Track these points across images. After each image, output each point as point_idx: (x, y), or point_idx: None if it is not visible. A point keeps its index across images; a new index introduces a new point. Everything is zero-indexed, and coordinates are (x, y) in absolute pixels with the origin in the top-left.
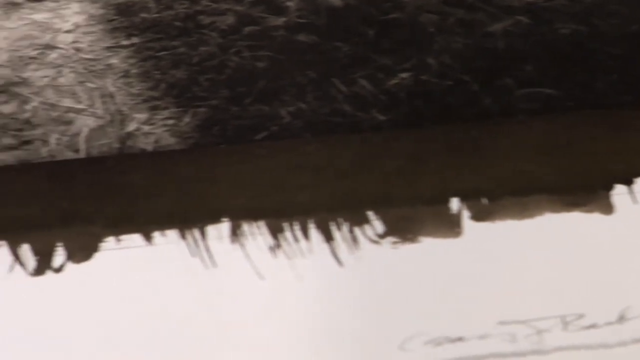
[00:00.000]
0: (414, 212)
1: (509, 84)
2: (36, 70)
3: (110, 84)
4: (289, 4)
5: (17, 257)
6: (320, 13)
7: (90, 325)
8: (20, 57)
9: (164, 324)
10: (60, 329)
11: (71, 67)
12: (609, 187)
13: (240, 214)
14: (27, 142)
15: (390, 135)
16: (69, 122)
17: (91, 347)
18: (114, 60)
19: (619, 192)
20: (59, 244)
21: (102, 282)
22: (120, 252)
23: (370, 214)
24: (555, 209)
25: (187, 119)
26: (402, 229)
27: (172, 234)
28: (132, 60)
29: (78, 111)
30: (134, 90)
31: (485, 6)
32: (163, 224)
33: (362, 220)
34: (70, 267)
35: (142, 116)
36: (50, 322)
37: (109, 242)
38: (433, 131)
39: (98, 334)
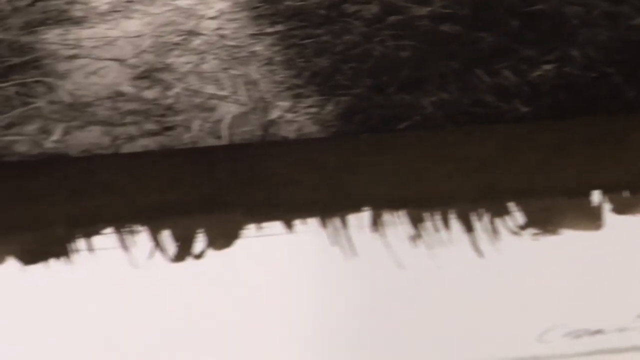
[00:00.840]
0: (555, 204)
1: None
2: (179, 56)
3: (253, 71)
4: None
5: (157, 243)
6: (465, 3)
7: (231, 311)
8: (164, 43)
9: (303, 311)
10: (199, 314)
11: (215, 53)
12: None
13: (381, 203)
14: (169, 128)
15: (533, 126)
16: (211, 109)
17: (231, 332)
18: (257, 48)
19: None
20: (199, 230)
21: (242, 269)
22: (261, 240)
23: (511, 205)
24: None
25: (329, 107)
26: (543, 220)
27: (313, 223)
28: (276, 48)
29: (221, 98)
30: (277, 78)
31: None
32: (304, 212)
33: (503, 212)
34: (211, 253)
35: (285, 104)
36: (188, 307)
37: (250, 230)
38: (576, 123)
39: (238, 319)
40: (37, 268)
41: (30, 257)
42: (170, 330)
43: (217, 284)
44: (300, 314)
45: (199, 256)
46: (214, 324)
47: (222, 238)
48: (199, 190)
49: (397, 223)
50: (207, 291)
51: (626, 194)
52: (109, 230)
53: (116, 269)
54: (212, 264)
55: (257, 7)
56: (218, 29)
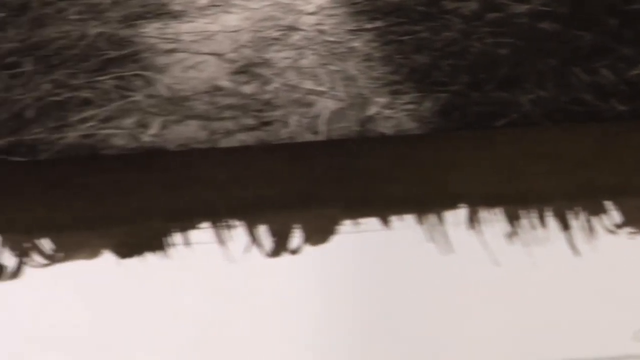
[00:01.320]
0: None
1: None
2: (278, 51)
3: (352, 67)
4: None
5: (254, 237)
6: (564, 2)
7: (328, 304)
8: (263, 38)
9: (400, 305)
10: (295, 308)
11: (313, 49)
12: None
13: (477, 200)
14: (267, 123)
15: (630, 125)
16: (309, 104)
17: (325, 324)
18: (356, 44)
19: None
20: (296, 225)
21: (338, 264)
22: (357, 236)
23: (608, 204)
24: None
25: (427, 104)
26: (639, 219)
27: (410, 219)
28: (374, 44)
29: (319, 93)
30: (375, 74)
31: None
32: (400, 209)
33: (600, 210)
34: (307, 249)
35: (383, 100)
36: (284, 301)
37: (346, 225)
38: None
39: (334, 313)
40: (133, 261)
41: (126, 250)
42: (265, 323)
43: (312, 278)
44: (397, 308)
45: (295, 251)
46: (309, 317)
47: (319, 234)
48: (295, 185)
49: (494, 220)
50: (302, 286)
51: None
52: (205, 224)
53: (212, 263)
54: (308, 260)
55: (356, 3)
56: (317, 24)
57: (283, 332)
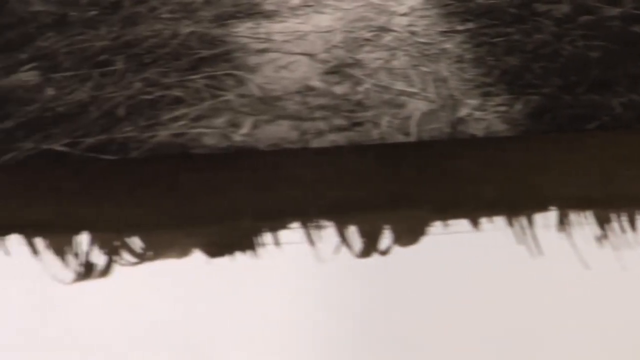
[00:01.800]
0: None
1: None
2: (370, 52)
3: (443, 68)
4: None
5: (343, 238)
6: None
7: (416, 306)
8: (355, 38)
9: (488, 307)
10: (383, 309)
11: (405, 50)
12: None
13: (568, 203)
14: (358, 124)
15: None
16: (400, 106)
17: (418, 326)
18: (448, 45)
19: None
20: (386, 226)
21: (428, 265)
22: (447, 237)
23: None
24: None
25: (518, 106)
26: None
27: (499, 221)
28: (466, 46)
29: (410, 95)
30: (467, 76)
31: None
32: (490, 210)
33: None
34: (396, 249)
35: (474, 102)
36: (372, 302)
37: (436, 227)
38: None
39: (422, 314)
40: (223, 261)
41: (216, 249)
42: (353, 322)
43: (400, 279)
44: (486, 310)
45: (384, 252)
46: (400, 317)
47: (408, 234)
48: (386, 186)
49: (584, 223)
50: (391, 287)
51: None
52: (295, 224)
53: (302, 263)
54: (397, 260)
55: (448, 5)
56: (409, 25)
57: (372, 333)
